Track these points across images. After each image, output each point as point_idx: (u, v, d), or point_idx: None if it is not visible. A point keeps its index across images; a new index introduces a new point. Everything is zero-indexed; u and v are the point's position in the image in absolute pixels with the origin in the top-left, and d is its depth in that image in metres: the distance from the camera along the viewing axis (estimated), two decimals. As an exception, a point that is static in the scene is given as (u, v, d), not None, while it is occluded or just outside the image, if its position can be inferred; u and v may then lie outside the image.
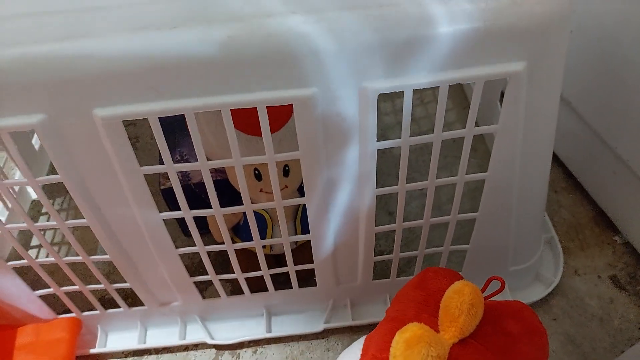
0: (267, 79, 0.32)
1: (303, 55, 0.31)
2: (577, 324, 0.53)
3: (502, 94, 0.60)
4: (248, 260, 0.50)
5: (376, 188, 0.40)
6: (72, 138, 0.34)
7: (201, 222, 0.43)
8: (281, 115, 0.43)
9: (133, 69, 0.31)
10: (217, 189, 0.39)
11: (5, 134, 0.33)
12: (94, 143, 0.34)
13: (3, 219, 0.58)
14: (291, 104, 0.36)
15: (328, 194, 0.40)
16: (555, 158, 0.67)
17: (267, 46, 0.31)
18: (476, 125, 0.37)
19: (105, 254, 0.43)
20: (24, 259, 0.43)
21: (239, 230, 0.52)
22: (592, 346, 0.51)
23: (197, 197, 0.54)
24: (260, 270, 0.47)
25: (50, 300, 0.49)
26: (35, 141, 0.69)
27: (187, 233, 0.59)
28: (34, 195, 0.68)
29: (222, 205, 0.40)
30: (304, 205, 0.51)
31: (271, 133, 0.36)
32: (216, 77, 0.32)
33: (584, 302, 0.55)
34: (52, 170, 0.46)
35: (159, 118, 0.33)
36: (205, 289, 0.56)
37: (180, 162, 0.55)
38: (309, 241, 0.51)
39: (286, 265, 0.48)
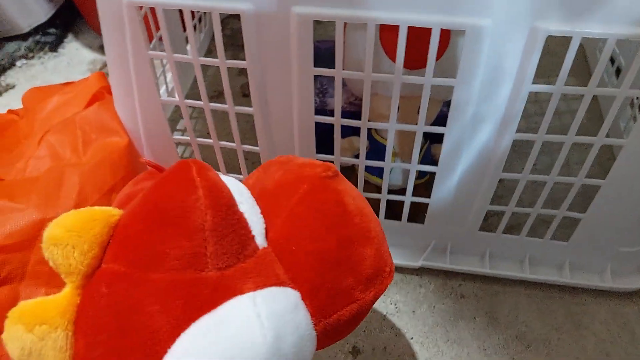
0: (446, 3, 0.36)
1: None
2: (675, 321, 0.53)
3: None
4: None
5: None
6: (267, 30, 0.40)
7: (329, 148, 0.48)
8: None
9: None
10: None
11: (215, 14, 0.39)
12: (283, 38, 0.40)
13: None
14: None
15: (468, 128, 0.43)
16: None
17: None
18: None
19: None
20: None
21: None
22: (686, 344, 0.51)
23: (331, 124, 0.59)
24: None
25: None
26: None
27: (318, 151, 0.64)
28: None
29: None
30: (427, 147, 0.54)
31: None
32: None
33: (686, 303, 0.54)
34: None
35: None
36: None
37: (320, 93, 0.60)
38: (422, 183, 0.55)
39: (396, 205, 0.51)
